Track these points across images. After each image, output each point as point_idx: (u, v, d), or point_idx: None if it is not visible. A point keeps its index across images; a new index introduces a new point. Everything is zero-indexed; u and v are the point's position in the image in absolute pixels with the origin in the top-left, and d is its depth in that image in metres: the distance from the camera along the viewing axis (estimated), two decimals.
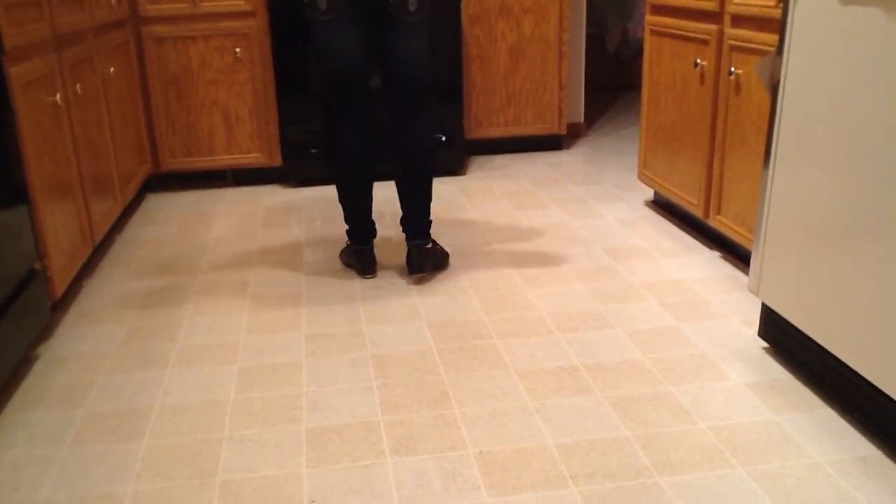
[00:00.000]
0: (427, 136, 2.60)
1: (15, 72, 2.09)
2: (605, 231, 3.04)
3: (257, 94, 3.64)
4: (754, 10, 2.35)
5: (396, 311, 2.40)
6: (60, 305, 2.51)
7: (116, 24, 3.26)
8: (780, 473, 1.61)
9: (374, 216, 3.01)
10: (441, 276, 2.65)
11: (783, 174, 1.91)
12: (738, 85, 2.49)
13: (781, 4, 1.99)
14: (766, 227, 1.99)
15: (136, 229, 3.23)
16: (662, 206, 3.30)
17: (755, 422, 1.79)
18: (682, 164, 2.91)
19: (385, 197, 3.47)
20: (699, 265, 2.69)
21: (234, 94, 3.64)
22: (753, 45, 2.37)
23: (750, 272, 2.08)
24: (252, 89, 3.64)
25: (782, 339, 2.01)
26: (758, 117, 2.40)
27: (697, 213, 2.81)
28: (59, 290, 2.30)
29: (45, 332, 2.34)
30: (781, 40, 1.88)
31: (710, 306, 2.37)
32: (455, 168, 3.88)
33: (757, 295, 2.06)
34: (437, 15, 3.62)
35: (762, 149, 2.38)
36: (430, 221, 2.68)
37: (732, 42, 2.48)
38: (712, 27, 2.59)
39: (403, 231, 2.67)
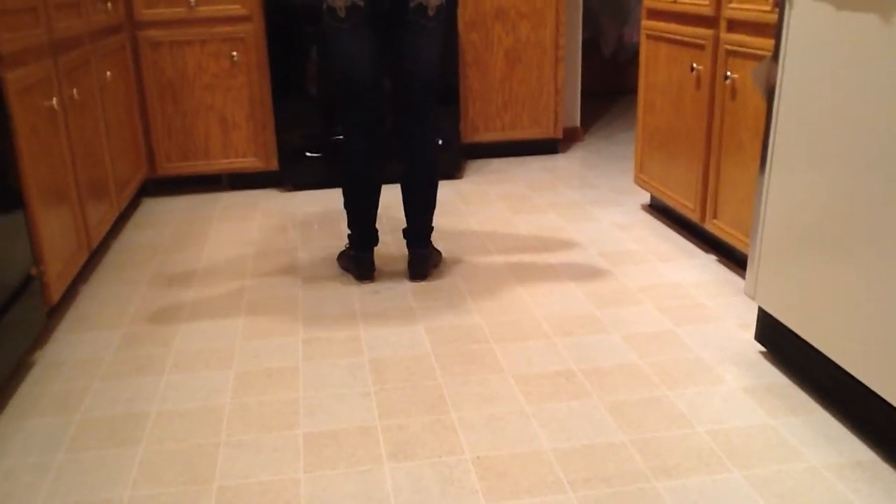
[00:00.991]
0: (434, 141, 2.60)
1: (11, 77, 2.09)
2: (602, 235, 3.05)
3: (253, 98, 3.64)
4: (750, 16, 2.36)
5: (393, 316, 2.40)
6: (56, 311, 2.50)
7: (112, 29, 3.26)
8: (777, 477, 1.61)
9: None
10: (438, 280, 2.65)
11: (779, 178, 1.91)
12: (733, 90, 2.49)
13: (777, 10, 2.00)
14: (763, 231, 2.00)
15: (133, 234, 3.23)
16: (659, 210, 3.30)
17: (752, 426, 1.79)
18: (679, 168, 2.91)
19: (384, 201, 3.47)
20: (695, 269, 2.69)
21: (230, 99, 3.63)
22: (749, 50, 2.38)
23: (746, 276, 2.09)
24: (248, 94, 3.64)
25: (779, 343, 2.01)
26: (754, 122, 2.40)
27: (694, 217, 2.82)
28: (56, 295, 2.29)
29: (41, 338, 2.33)
30: (777, 45, 1.89)
31: (707, 310, 2.38)
32: (452, 172, 3.88)
33: (753, 299, 2.07)
34: (451, 17, 3.61)
35: (758, 153, 2.39)
36: (433, 228, 2.69)
37: (728, 47, 2.49)
38: (708, 32, 2.60)
39: (405, 237, 2.68)
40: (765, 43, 2.29)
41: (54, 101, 2.38)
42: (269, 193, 3.76)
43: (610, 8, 5.70)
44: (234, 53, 3.56)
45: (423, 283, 2.63)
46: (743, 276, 2.61)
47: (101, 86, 2.98)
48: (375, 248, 2.91)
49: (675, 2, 2.83)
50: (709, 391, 1.94)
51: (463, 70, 3.98)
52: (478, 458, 1.71)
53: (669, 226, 3.13)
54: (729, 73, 2.49)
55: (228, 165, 3.73)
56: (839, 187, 1.70)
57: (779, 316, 1.96)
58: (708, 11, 2.59)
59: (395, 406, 1.91)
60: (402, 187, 2.65)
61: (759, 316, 2.08)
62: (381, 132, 2.55)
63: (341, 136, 2.55)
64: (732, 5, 2.45)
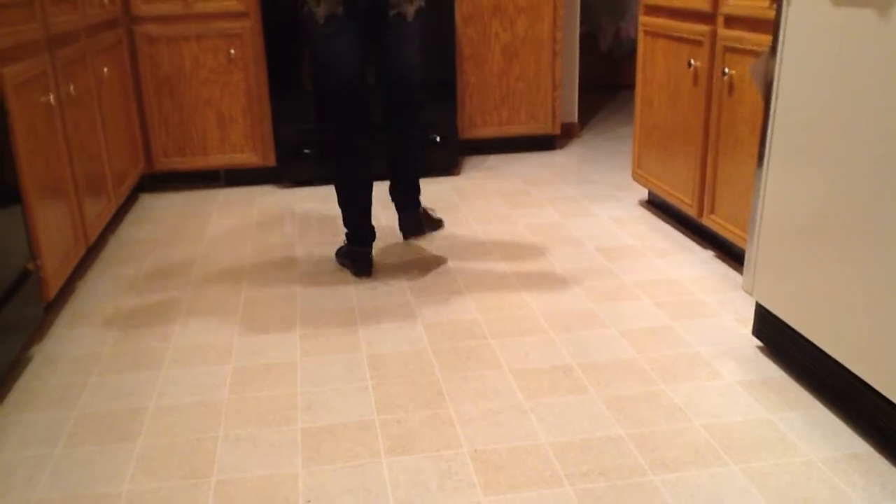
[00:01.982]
0: (420, 138, 2.69)
1: (7, 72, 2.08)
2: (599, 230, 3.05)
3: (250, 94, 3.64)
4: (748, 11, 2.36)
5: (391, 311, 2.40)
6: (54, 306, 2.50)
7: (109, 23, 3.26)
8: (774, 471, 1.62)
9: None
10: (434, 275, 2.65)
11: (776, 174, 1.92)
12: (731, 85, 2.49)
13: (775, 5, 2.00)
14: (760, 226, 2.00)
15: (130, 230, 3.23)
16: (656, 205, 3.31)
17: (749, 420, 1.79)
18: (676, 163, 2.92)
19: (380, 198, 3.47)
20: (693, 264, 2.69)
21: (227, 94, 3.63)
22: (747, 46, 2.38)
23: (744, 271, 2.09)
24: (245, 89, 3.63)
25: (776, 337, 2.02)
26: (751, 117, 2.40)
27: (691, 212, 2.82)
28: (53, 291, 2.29)
29: (38, 333, 2.33)
30: (775, 41, 1.89)
31: (704, 305, 2.38)
32: (449, 168, 3.88)
33: (751, 294, 2.07)
34: (430, 15, 3.62)
35: (755, 149, 2.39)
36: (419, 190, 2.79)
37: (726, 43, 2.49)
38: (706, 28, 2.60)
39: (393, 200, 2.79)
40: (762, 39, 2.29)
41: (51, 96, 2.37)
42: (266, 189, 3.76)
43: (607, 3, 5.70)
44: (231, 49, 3.55)
45: (420, 279, 2.63)
46: (740, 271, 2.62)
47: (98, 81, 2.98)
48: (373, 244, 2.91)
49: None
50: (706, 386, 1.94)
51: (460, 65, 3.98)
52: (476, 451, 1.71)
53: (667, 221, 3.13)
54: (726, 69, 2.49)
55: (226, 161, 3.72)
56: (837, 183, 1.70)
57: (776, 311, 1.96)
58: (705, 7, 2.59)
59: (393, 401, 1.92)
60: (390, 162, 2.75)
61: (756, 311, 2.09)
62: (369, 129, 2.59)
63: (330, 135, 2.59)
64: (730, 1, 2.45)
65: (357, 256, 2.66)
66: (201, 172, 3.80)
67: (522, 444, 1.73)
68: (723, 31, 2.51)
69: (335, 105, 2.55)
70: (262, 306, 2.46)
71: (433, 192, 3.60)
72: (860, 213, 1.63)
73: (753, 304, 2.35)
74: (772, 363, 2.04)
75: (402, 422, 1.83)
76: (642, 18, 3.10)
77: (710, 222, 2.70)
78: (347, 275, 2.69)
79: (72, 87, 2.60)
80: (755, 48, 2.33)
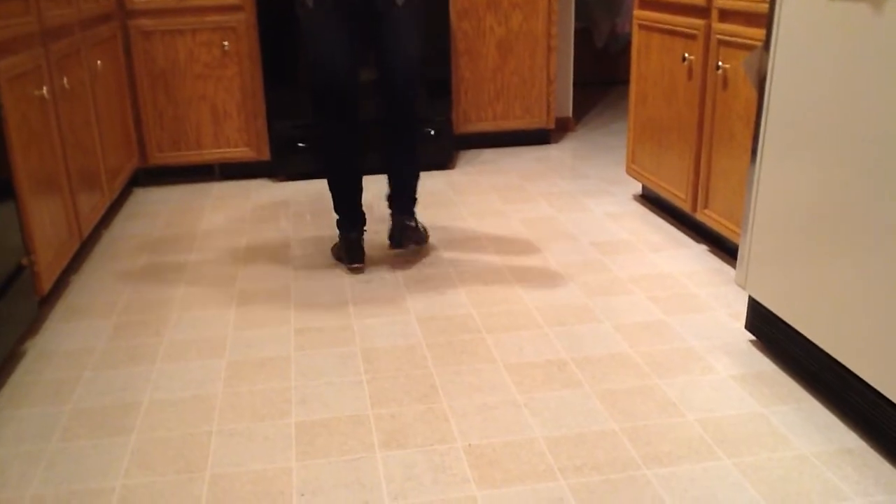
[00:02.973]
0: (417, 131, 2.65)
1: (2, 66, 2.08)
2: (593, 225, 3.05)
3: (245, 88, 3.63)
4: (742, 5, 2.36)
5: (385, 306, 2.40)
6: (48, 301, 2.50)
7: (103, 17, 3.24)
8: (767, 465, 1.62)
9: (364, 209, 3.00)
10: (429, 270, 2.66)
11: (770, 168, 1.92)
12: (725, 79, 2.50)
13: None
14: (754, 221, 2.01)
15: (124, 224, 3.22)
16: (650, 200, 3.31)
17: (742, 414, 1.80)
18: (670, 158, 2.92)
19: (375, 192, 3.47)
20: (687, 259, 2.70)
21: (221, 89, 3.62)
22: (741, 40, 2.38)
23: (737, 266, 2.10)
24: (240, 83, 3.63)
25: (769, 331, 2.03)
26: (745, 112, 2.41)
27: (685, 206, 2.83)
28: (47, 285, 2.29)
29: (32, 327, 2.33)
30: (769, 35, 1.89)
31: (698, 300, 2.39)
32: (443, 162, 3.88)
33: (744, 288, 2.08)
34: (427, 7, 3.61)
35: (749, 143, 2.39)
36: (416, 199, 2.75)
37: (720, 37, 2.49)
38: (700, 22, 2.60)
39: (389, 207, 2.74)
40: (757, 33, 2.29)
41: (45, 90, 2.37)
42: (260, 183, 3.75)
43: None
44: (226, 43, 3.55)
45: (414, 273, 2.63)
46: (734, 265, 2.63)
47: (92, 75, 2.97)
48: (368, 240, 2.91)
49: None
50: (699, 380, 1.95)
51: (455, 60, 3.98)
52: (469, 446, 1.71)
53: (661, 216, 3.14)
54: (721, 63, 2.49)
55: (220, 155, 3.72)
56: (830, 177, 1.71)
57: (769, 305, 1.97)
58: (700, 1, 2.59)
59: (386, 395, 1.92)
60: (385, 161, 2.71)
61: (749, 305, 2.10)
62: (355, 118, 2.58)
63: (318, 121, 2.57)
64: None
65: (348, 243, 2.67)
66: (196, 167, 3.79)
67: (516, 439, 1.73)
68: (717, 25, 2.51)
69: (321, 93, 2.54)
70: (256, 300, 2.46)
71: (428, 187, 3.60)
72: (853, 208, 1.64)
73: (747, 299, 2.36)
74: (765, 357, 2.04)
75: (396, 416, 1.83)
76: (637, 12, 3.10)
77: (704, 217, 2.70)
78: (342, 269, 2.69)
79: (66, 81, 2.60)
80: (750, 42, 2.33)
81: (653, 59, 3.00)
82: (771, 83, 1.89)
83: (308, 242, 2.95)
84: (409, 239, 2.70)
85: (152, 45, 3.52)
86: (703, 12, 2.60)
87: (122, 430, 1.81)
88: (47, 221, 2.35)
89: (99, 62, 3.05)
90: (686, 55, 2.70)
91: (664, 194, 3.00)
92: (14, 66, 2.16)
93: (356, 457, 1.69)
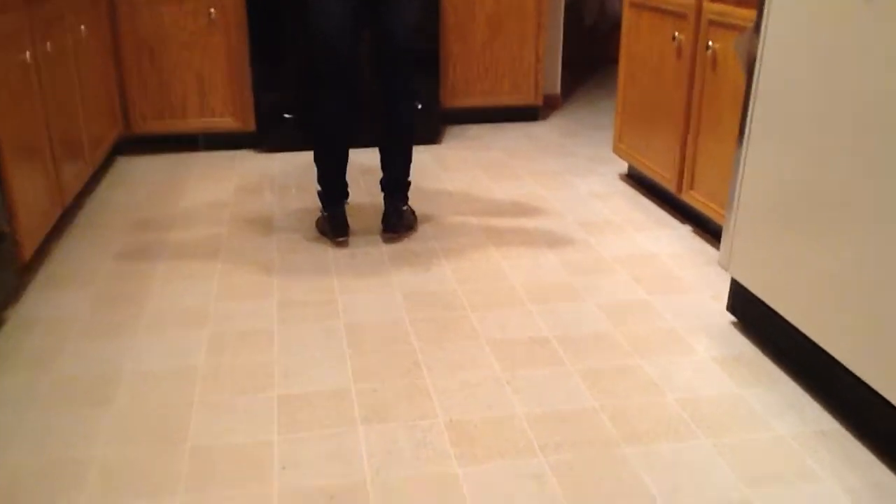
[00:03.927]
0: (412, 104, 2.66)
1: None
2: (579, 204, 3.05)
3: (231, 58, 3.59)
4: None
5: (370, 281, 2.40)
6: (28, 269, 2.47)
7: None
8: (744, 445, 1.64)
9: (349, 183, 2.99)
10: (415, 246, 2.65)
11: (756, 152, 1.92)
12: (714, 60, 2.49)
13: None
14: (738, 203, 2.01)
15: (107, 193, 3.19)
16: (636, 179, 3.31)
17: (721, 395, 1.82)
18: (657, 138, 2.92)
19: (360, 163, 3.45)
20: (671, 240, 2.71)
21: (207, 58, 3.58)
22: (732, 21, 2.38)
23: (721, 248, 2.11)
24: (226, 53, 3.58)
25: (750, 313, 2.04)
26: (733, 93, 2.41)
27: (671, 187, 2.83)
28: (28, 252, 2.27)
29: (12, 295, 2.31)
30: (759, 17, 1.89)
31: (681, 281, 2.40)
32: (431, 137, 3.86)
33: (727, 270, 2.09)
34: None
35: (737, 125, 2.39)
36: (409, 183, 2.74)
37: (711, 17, 2.48)
38: (691, 1, 2.59)
39: (382, 189, 2.73)
40: (748, 13, 2.29)
41: (27, 54, 2.33)
42: (245, 154, 3.72)
43: None
44: (213, 11, 3.50)
45: (399, 248, 2.63)
46: (717, 247, 2.64)
47: (76, 40, 2.92)
48: (352, 215, 2.90)
49: None
50: (680, 360, 1.96)
51: (444, 34, 3.94)
52: (451, 421, 1.72)
53: (646, 196, 3.14)
54: (710, 44, 2.49)
55: (205, 125, 3.68)
56: (816, 161, 1.71)
57: (751, 287, 1.98)
58: None
59: (369, 370, 1.92)
60: (379, 145, 2.70)
61: (731, 287, 2.11)
62: (353, 94, 2.57)
63: (312, 95, 2.55)
64: None
65: (333, 217, 2.66)
66: (180, 136, 3.75)
67: (497, 415, 1.74)
68: (708, 5, 2.50)
69: (321, 66, 2.52)
70: (239, 272, 2.45)
71: (414, 162, 3.58)
72: (837, 193, 1.65)
73: (729, 280, 2.37)
74: (745, 339, 2.06)
75: (378, 391, 1.84)
76: None
77: (689, 198, 2.71)
78: (326, 243, 2.68)
79: (49, 46, 2.56)
80: (740, 23, 2.33)
81: (642, 38, 2.99)
82: (760, 66, 1.89)
83: (293, 215, 2.94)
84: (403, 224, 2.70)
85: (138, 11, 3.47)
86: None
87: (102, 401, 1.80)
88: (28, 188, 2.32)
89: (83, 28, 3.01)
90: (676, 34, 2.69)
91: (650, 174, 3.00)
92: None
93: (338, 431, 1.69)
